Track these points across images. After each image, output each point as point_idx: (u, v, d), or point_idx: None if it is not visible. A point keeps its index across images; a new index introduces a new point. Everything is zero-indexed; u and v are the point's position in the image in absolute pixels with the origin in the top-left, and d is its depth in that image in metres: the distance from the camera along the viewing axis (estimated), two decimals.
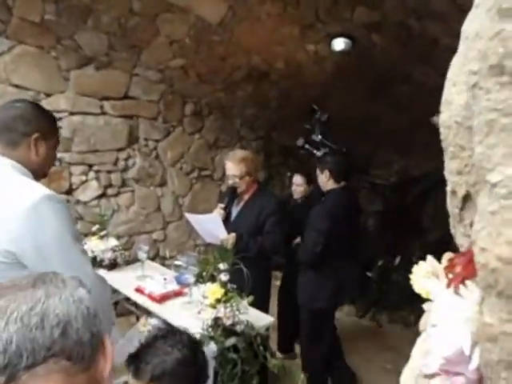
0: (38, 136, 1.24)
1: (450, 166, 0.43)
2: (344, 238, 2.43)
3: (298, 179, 3.14)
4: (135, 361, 1.10)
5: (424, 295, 0.39)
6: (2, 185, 1.17)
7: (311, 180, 3.04)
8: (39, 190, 1.17)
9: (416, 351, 0.42)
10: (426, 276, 0.39)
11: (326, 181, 2.54)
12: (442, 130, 0.44)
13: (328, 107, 4.42)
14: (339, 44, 3.18)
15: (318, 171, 2.62)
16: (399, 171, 5.54)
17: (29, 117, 1.23)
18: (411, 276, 0.41)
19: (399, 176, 5.52)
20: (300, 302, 2.56)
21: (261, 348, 1.71)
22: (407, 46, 3.08)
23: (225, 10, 2.75)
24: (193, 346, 1.18)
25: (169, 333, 1.19)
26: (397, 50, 3.19)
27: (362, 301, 4.03)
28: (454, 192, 0.42)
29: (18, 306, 0.49)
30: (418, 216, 4.99)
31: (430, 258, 0.41)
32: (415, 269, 0.42)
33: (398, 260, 4.33)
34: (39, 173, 1.30)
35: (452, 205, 0.42)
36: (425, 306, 0.39)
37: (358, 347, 3.31)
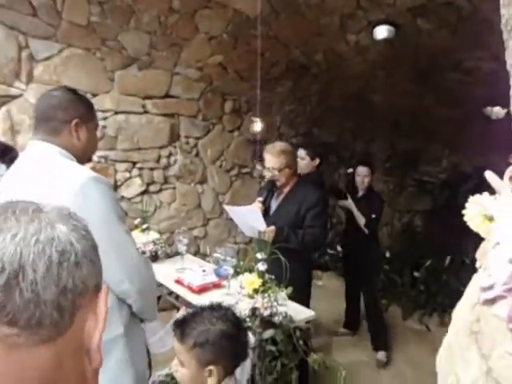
0: (77, 121, 1.27)
1: None
2: None
3: (363, 170, 3.16)
4: (181, 325, 1.15)
5: (482, 233, 0.33)
6: (50, 169, 1.21)
7: (374, 170, 3.25)
8: (85, 172, 1.20)
9: (471, 286, 0.35)
10: (480, 212, 0.33)
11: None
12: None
13: (371, 100, 4.27)
14: (382, 32, 3.05)
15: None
16: (449, 167, 5.24)
17: (66, 104, 1.27)
18: (464, 212, 0.35)
19: (449, 172, 5.22)
20: None
21: (300, 342, 1.65)
22: (457, 30, 2.89)
23: (263, 2, 2.72)
24: (237, 322, 1.22)
25: (216, 306, 1.23)
26: (445, 35, 3.01)
27: (407, 302, 3.83)
28: None
29: None
30: None
31: (480, 196, 0.35)
32: (468, 206, 0.35)
33: (448, 261, 4.08)
34: (84, 157, 1.34)
35: None
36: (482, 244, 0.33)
37: (404, 351, 3.14)
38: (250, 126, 4.01)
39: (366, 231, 3.05)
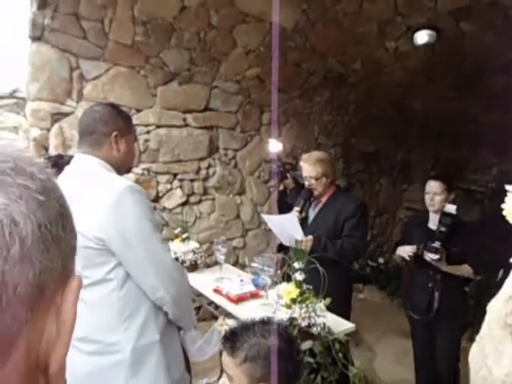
0: (116, 134, 1.34)
1: None
2: None
3: (434, 186, 2.35)
4: (232, 338, 1.10)
5: None
6: (92, 179, 1.28)
7: (452, 186, 2.42)
8: (122, 182, 1.26)
9: (508, 280, 0.33)
10: None
11: None
12: None
13: (412, 108, 4.15)
14: (422, 37, 2.98)
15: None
16: (498, 176, 4.95)
17: (107, 118, 1.34)
18: (503, 206, 0.33)
19: (499, 181, 4.93)
20: None
21: (340, 355, 1.60)
22: (503, 31, 2.76)
23: (299, 13, 2.75)
24: (289, 338, 1.16)
25: (267, 320, 1.18)
26: (490, 38, 2.88)
27: (458, 318, 3.61)
28: None
29: None
30: None
31: None
32: (507, 199, 0.33)
33: (501, 274, 3.82)
34: (123, 168, 1.41)
35: None
36: None
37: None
38: (264, 147, 3.84)
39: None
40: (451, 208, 2.20)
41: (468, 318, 3.60)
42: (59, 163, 1.57)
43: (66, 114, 2.94)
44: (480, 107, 3.84)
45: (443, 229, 2.19)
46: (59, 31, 2.71)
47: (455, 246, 2.21)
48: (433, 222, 2.36)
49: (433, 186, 2.35)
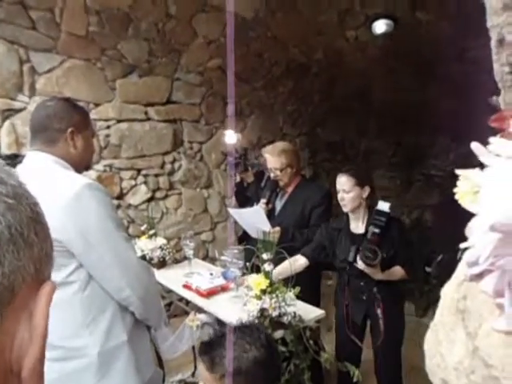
0: (72, 130, 1.28)
1: None
2: None
3: (342, 181, 2.05)
4: (210, 352, 1.05)
5: (474, 211, 0.31)
6: (46, 178, 1.21)
7: (363, 181, 2.15)
8: (80, 179, 1.21)
9: (460, 264, 0.34)
10: (472, 189, 0.31)
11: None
12: None
13: (374, 96, 4.24)
14: (381, 26, 3.04)
15: None
16: (457, 160, 5.17)
17: (61, 114, 1.28)
18: (456, 191, 0.33)
19: (457, 165, 5.14)
20: None
21: (311, 342, 1.63)
22: (457, 19, 2.86)
23: (258, 2, 2.72)
24: (270, 345, 1.11)
25: (248, 329, 1.14)
26: (446, 25, 2.97)
27: (421, 298, 3.78)
28: None
29: None
30: None
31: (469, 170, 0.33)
32: (459, 183, 0.34)
33: (460, 254, 4.01)
34: (80, 165, 1.34)
35: None
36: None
37: (419, 349, 3.09)
38: (222, 139, 3.76)
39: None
40: (384, 205, 1.89)
41: (432, 297, 3.78)
42: (14, 163, 1.48)
43: (18, 110, 2.78)
44: (438, 94, 3.97)
45: (376, 230, 1.85)
46: (5, 22, 2.55)
47: (388, 248, 1.91)
48: (355, 225, 2.08)
49: (340, 182, 2.03)
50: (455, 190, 0.34)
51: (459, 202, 0.33)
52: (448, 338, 0.30)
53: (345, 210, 2.06)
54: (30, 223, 0.31)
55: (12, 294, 0.28)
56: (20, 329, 0.29)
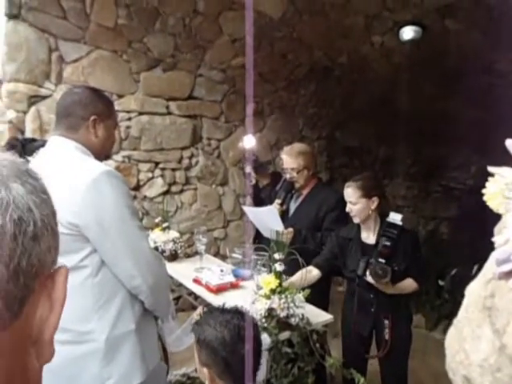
0: (95, 118, 1.29)
1: None
2: None
3: (348, 194, 2.03)
4: (197, 322, 1.19)
5: (502, 212, 0.31)
6: (66, 163, 1.24)
7: (370, 192, 2.05)
8: (100, 166, 1.22)
9: (488, 263, 0.33)
10: (501, 191, 0.30)
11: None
12: None
13: (396, 104, 4.18)
14: (408, 33, 2.99)
15: None
16: (478, 173, 5.06)
17: (85, 101, 1.29)
18: (484, 191, 0.33)
19: (478, 179, 5.05)
20: None
21: (317, 345, 1.61)
22: (487, 31, 2.80)
23: (286, 3, 2.72)
24: (239, 331, 1.13)
25: (227, 309, 1.21)
26: (474, 37, 2.91)
27: (432, 312, 3.71)
28: None
29: None
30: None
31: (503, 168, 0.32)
32: (488, 184, 0.33)
33: (475, 269, 3.93)
34: (101, 154, 1.36)
35: None
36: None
37: (426, 363, 3.03)
38: (240, 142, 3.71)
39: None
40: (396, 217, 1.85)
41: (443, 311, 3.71)
42: (27, 147, 1.51)
43: (44, 97, 2.84)
44: (461, 105, 3.90)
45: (387, 243, 1.81)
46: (37, 10, 2.61)
47: (400, 261, 1.85)
48: (367, 235, 2.03)
49: (347, 194, 1.99)
50: (484, 190, 0.33)
51: (487, 203, 0.32)
52: (473, 335, 0.30)
53: (354, 221, 2.02)
54: (53, 215, 0.37)
55: (42, 269, 0.34)
56: (41, 304, 0.34)
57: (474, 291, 0.33)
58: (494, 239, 0.31)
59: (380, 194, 2.01)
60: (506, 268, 0.29)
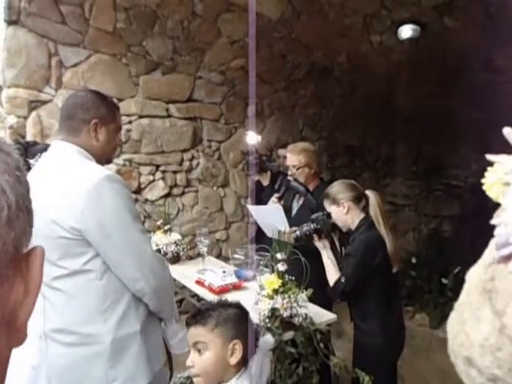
0: (96, 122, 1.29)
1: None
2: None
3: (330, 208, 2.00)
4: (199, 313, 1.22)
5: (501, 201, 0.31)
6: (68, 168, 1.24)
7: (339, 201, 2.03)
8: (101, 171, 1.22)
9: (488, 248, 0.33)
10: (500, 180, 0.31)
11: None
12: None
13: (396, 102, 4.18)
14: (407, 31, 3.00)
15: None
16: (479, 171, 5.05)
17: (88, 104, 1.29)
18: (483, 181, 0.33)
19: (479, 176, 5.03)
20: None
21: (321, 345, 1.61)
22: (485, 27, 2.80)
23: (285, 4, 2.73)
24: (246, 312, 1.30)
25: (224, 300, 1.35)
26: (474, 34, 2.91)
27: (436, 310, 3.70)
28: None
29: None
30: None
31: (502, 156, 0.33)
32: (487, 174, 0.33)
33: None
34: (102, 158, 1.36)
35: None
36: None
37: (431, 361, 3.03)
38: (241, 139, 3.80)
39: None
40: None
41: (447, 309, 3.70)
42: (30, 150, 1.51)
43: (44, 102, 2.85)
44: (462, 103, 3.90)
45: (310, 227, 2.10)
46: (37, 15, 2.62)
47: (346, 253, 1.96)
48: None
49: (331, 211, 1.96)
50: (483, 180, 0.34)
51: (486, 192, 0.33)
52: (474, 317, 0.30)
53: (344, 231, 1.97)
54: (27, 194, 0.34)
55: (17, 253, 0.32)
56: (15, 287, 0.32)
57: (474, 276, 0.33)
58: (492, 221, 0.32)
59: (351, 196, 1.97)
60: (505, 252, 0.30)
